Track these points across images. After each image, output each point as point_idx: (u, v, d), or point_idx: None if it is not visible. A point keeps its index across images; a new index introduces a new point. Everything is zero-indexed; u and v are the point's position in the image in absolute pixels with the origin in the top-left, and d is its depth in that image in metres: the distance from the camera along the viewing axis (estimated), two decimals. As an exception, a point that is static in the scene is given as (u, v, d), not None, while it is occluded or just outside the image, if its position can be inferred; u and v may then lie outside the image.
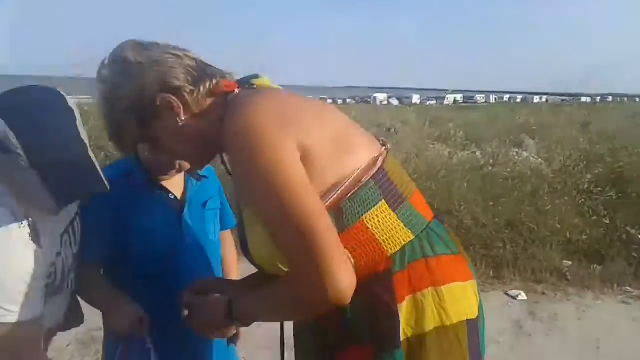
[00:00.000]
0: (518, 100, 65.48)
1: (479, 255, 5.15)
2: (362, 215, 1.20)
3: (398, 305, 1.18)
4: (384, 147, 1.33)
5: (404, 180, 1.30)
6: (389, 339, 1.19)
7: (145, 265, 1.68)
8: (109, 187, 1.30)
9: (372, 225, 1.20)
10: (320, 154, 1.19)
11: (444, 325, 1.20)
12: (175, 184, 1.76)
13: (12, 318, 1.31)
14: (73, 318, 1.71)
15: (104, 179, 1.28)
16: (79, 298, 1.68)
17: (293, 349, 1.43)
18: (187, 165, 1.70)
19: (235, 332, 1.91)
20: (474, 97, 79.49)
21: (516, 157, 7.20)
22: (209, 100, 1.31)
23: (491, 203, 5.47)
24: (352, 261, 1.16)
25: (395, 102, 57.19)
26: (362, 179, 1.21)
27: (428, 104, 48.72)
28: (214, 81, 1.30)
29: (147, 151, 1.53)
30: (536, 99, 62.39)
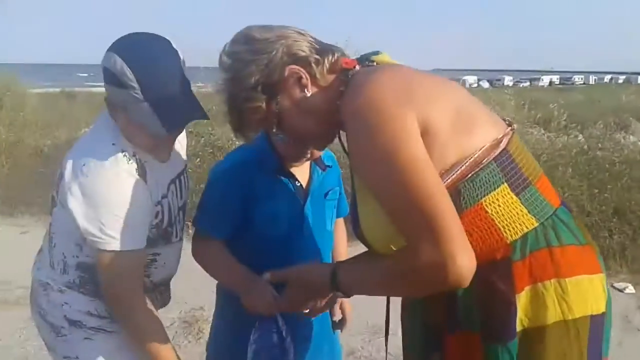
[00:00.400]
0: (620, 81, 61.39)
1: (583, 245, 4.91)
2: (482, 198, 1.15)
3: (516, 296, 1.13)
4: (509, 127, 1.27)
5: (530, 163, 1.23)
6: (502, 329, 1.15)
7: (263, 248, 1.73)
8: (209, 117, 1.45)
9: (491, 210, 1.15)
10: (442, 131, 1.15)
11: (565, 320, 1.14)
12: (302, 172, 1.78)
13: (115, 245, 1.43)
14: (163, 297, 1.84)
15: (203, 109, 1.44)
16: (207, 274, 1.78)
17: (391, 333, 1.44)
18: (317, 154, 1.73)
19: (340, 317, 1.94)
20: (571, 77, 74.85)
21: (622, 141, 6.79)
22: (331, 76, 1.32)
23: (596, 190, 5.19)
24: None
25: (485, 84, 55.16)
26: (484, 161, 1.16)
27: (521, 86, 46.61)
28: (335, 56, 1.32)
29: (272, 134, 1.54)
30: (641, 79, 58.19)
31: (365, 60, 1.36)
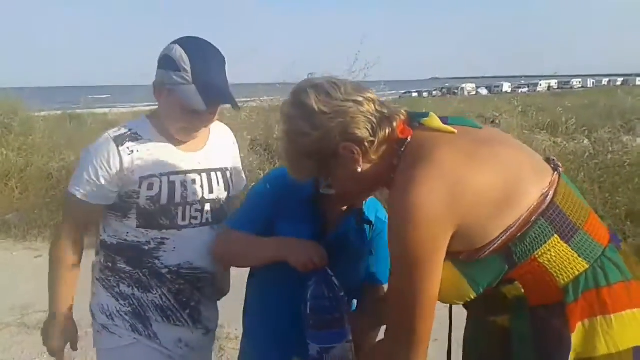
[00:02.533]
0: (618, 83, 61.42)
1: (597, 249, 4.91)
2: (534, 252, 1.21)
3: (571, 335, 1.20)
4: (555, 172, 1.32)
5: (577, 207, 1.28)
6: None
7: (275, 265, 1.68)
8: (239, 107, 1.80)
9: (544, 260, 1.22)
10: (482, 220, 1.22)
11: (610, 354, 1.20)
12: (333, 214, 1.74)
13: (70, 188, 1.73)
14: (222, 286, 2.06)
15: (235, 101, 1.74)
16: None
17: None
18: (358, 204, 1.72)
19: None
20: (569, 82, 74.69)
21: (630, 143, 6.80)
22: (385, 147, 1.36)
23: (607, 194, 5.19)
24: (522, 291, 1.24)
25: (484, 91, 55.33)
26: (532, 219, 1.22)
27: (520, 91, 46.63)
28: (391, 128, 1.34)
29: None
30: (639, 81, 58.08)
31: (415, 121, 1.38)
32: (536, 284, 1.22)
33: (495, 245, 1.21)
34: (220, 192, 1.88)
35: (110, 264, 1.81)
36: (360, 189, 1.44)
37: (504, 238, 1.21)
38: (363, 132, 1.32)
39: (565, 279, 1.22)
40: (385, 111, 1.36)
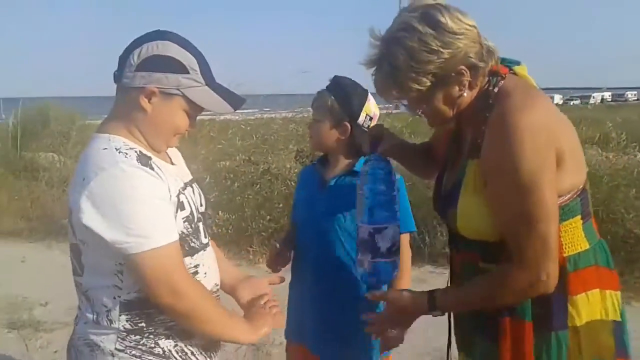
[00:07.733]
0: (677, 96, 58.85)
1: (648, 267, 4.79)
2: (563, 222, 1.42)
3: (569, 297, 1.41)
4: None
5: (590, 200, 1.51)
6: (554, 320, 1.41)
7: (297, 227, 2.18)
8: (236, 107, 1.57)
9: (564, 230, 1.43)
10: (568, 160, 1.38)
11: (602, 320, 1.45)
12: (333, 173, 2.09)
13: (149, 244, 1.36)
14: None
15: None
16: None
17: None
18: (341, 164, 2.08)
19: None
20: (624, 94, 72.01)
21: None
22: (482, 78, 1.45)
23: (661, 211, 5.03)
24: None
25: (534, 103, 53.56)
26: (574, 196, 1.44)
27: (572, 104, 45.33)
28: (492, 63, 1.44)
29: (411, 110, 1.56)
30: (698, 94, 55.54)
31: (508, 67, 1.50)
32: None
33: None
34: (205, 204, 1.69)
35: (140, 324, 1.48)
36: (449, 114, 1.48)
37: (560, 200, 1.38)
38: (477, 60, 1.39)
39: (570, 251, 1.44)
40: (490, 43, 1.44)
